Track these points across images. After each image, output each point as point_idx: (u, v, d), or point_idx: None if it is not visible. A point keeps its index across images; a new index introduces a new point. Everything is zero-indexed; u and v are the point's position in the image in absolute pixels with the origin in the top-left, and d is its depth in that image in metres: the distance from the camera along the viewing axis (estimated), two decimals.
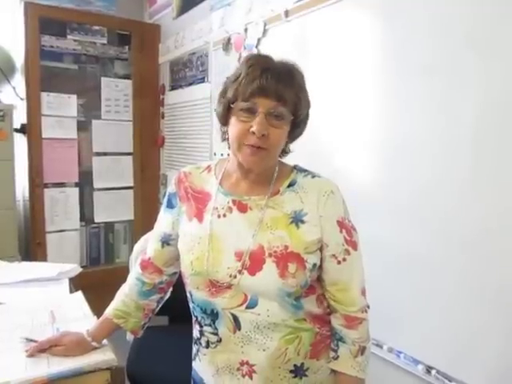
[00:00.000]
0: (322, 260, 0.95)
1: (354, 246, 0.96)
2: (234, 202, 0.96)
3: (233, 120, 0.91)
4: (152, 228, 1.77)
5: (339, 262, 0.94)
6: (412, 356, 1.39)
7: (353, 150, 1.62)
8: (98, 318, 1.21)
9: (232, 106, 0.91)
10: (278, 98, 0.87)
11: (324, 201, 0.93)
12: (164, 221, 1.08)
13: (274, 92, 0.87)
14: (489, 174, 1.20)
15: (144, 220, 3.14)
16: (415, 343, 1.39)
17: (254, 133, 0.87)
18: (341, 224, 0.94)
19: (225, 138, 1.00)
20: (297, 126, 0.94)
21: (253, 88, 0.87)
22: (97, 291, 1.59)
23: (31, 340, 1.12)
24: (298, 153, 1.03)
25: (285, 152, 1.00)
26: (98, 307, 1.39)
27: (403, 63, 1.42)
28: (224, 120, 0.96)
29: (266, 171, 0.96)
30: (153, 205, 3.22)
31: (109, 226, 3.21)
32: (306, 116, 0.96)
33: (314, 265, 0.92)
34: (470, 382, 1.23)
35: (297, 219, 0.92)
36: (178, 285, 1.14)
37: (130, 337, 1.69)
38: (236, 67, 0.94)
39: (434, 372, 1.31)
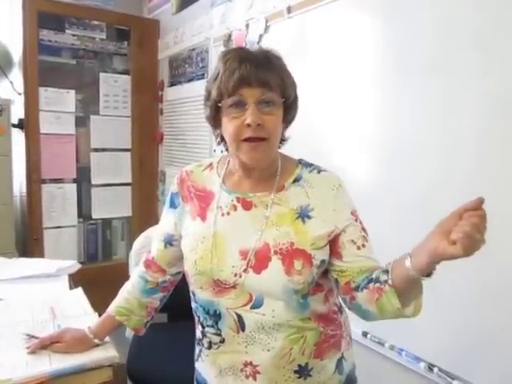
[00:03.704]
0: (338, 249, 0.91)
1: (368, 236, 0.94)
2: (238, 199, 0.95)
3: (224, 120, 0.90)
4: (150, 225, 1.76)
5: (359, 248, 0.90)
6: (414, 354, 1.39)
7: (353, 150, 1.61)
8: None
9: (220, 105, 0.89)
10: (263, 85, 0.85)
11: (334, 195, 0.93)
12: (167, 221, 1.07)
13: (256, 79, 0.85)
14: (492, 174, 1.19)
15: (142, 217, 3.14)
16: (417, 341, 1.38)
17: (248, 125, 0.85)
18: (354, 215, 0.94)
19: (220, 141, 0.99)
20: (288, 109, 0.92)
21: (234, 80, 0.85)
22: (94, 288, 1.58)
23: (32, 336, 1.12)
24: (297, 151, 1.02)
25: (282, 140, 0.98)
26: (95, 304, 1.39)
27: (406, 63, 1.41)
28: (215, 122, 0.95)
29: (268, 167, 0.95)
30: (151, 201, 3.21)
31: (106, 223, 3.20)
32: (295, 98, 0.94)
33: (323, 261, 0.91)
34: (472, 380, 1.23)
35: (303, 214, 0.91)
36: (178, 282, 1.14)
37: (129, 334, 1.69)
38: (214, 67, 0.93)
39: (436, 370, 1.31)
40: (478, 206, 0.67)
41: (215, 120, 0.94)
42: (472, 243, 0.66)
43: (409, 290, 0.80)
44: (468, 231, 0.65)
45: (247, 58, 0.87)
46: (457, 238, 0.66)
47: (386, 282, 0.82)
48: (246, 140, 0.87)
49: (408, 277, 0.77)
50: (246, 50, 0.93)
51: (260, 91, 0.85)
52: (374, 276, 0.86)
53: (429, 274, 0.76)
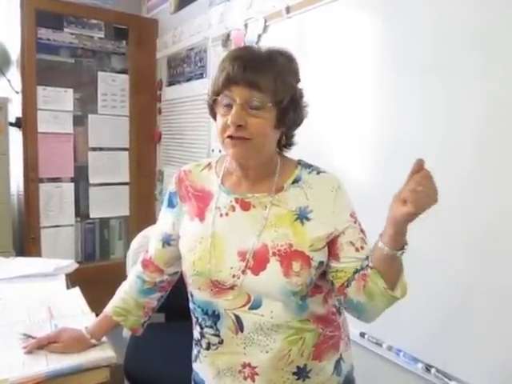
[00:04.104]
0: (337, 250, 0.91)
1: (366, 238, 0.94)
2: (236, 200, 0.95)
3: (217, 117, 0.91)
4: (147, 224, 1.75)
5: (357, 250, 0.91)
6: (411, 354, 1.39)
7: (353, 150, 1.61)
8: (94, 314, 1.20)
9: (210, 102, 0.91)
10: (250, 86, 0.84)
11: (333, 196, 0.92)
12: (165, 220, 1.06)
13: (242, 79, 0.84)
14: (491, 174, 1.19)
15: (139, 216, 3.13)
16: (415, 341, 1.39)
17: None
18: (353, 217, 0.93)
19: None
20: (283, 113, 0.88)
21: (222, 79, 0.86)
22: (91, 287, 1.57)
23: (29, 336, 1.11)
24: (297, 153, 1.02)
25: (287, 145, 0.97)
26: (92, 303, 1.39)
27: (405, 63, 1.41)
28: (214, 117, 0.95)
29: (265, 167, 0.94)
30: (149, 201, 3.21)
31: (104, 222, 3.20)
32: (293, 102, 0.90)
33: (321, 262, 0.90)
34: (469, 381, 1.23)
35: (302, 216, 0.90)
36: (175, 282, 1.13)
37: (126, 334, 1.68)
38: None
39: (433, 371, 1.31)
40: (419, 168, 0.76)
41: (213, 115, 0.94)
42: (419, 197, 0.74)
43: (391, 270, 0.83)
44: (412, 187, 0.74)
45: (240, 58, 0.86)
46: (405, 195, 0.74)
47: (367, 266, 0.86)
48: (228, 137, 0.88)
49: (384, 256, 0.81)
50: (248, 49, 0.92)
51: (248, 91, 0.84)
52: (358, 267, 0.89)
53: (401, 248, 0.81)
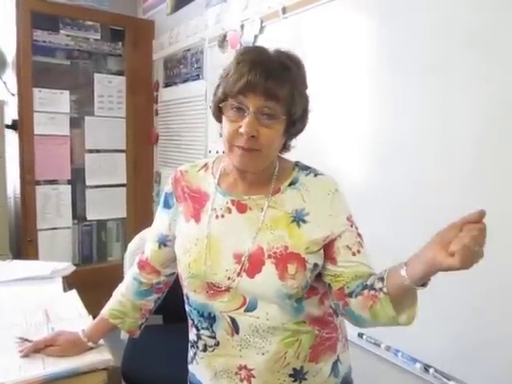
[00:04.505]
0: (333, 254, 0.90)
1: (363, 241, 0.93)
2: (232, 202, 0.94)
3: (224, 119, 0.88)
4: (145, 226, 1.75)
5: (354, 254, 0.89)
6: (410, 354, 1.39)
7: (350, 151, 1.61)
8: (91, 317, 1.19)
9: (221, 105, 0.88)
10: (268, 95, 0.82)
11: (330, 199, 0.91)
12: (161, 221, 1.05)
13: (262, 89, 0.82)
14: (490, 174, 1.19)
15: (137, 218, 3.12)
16: (413, 342, 1.38)
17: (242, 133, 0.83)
18: (350, 220, 0.92)
19: (221, 135, 0.97)
20: (292, 123, 0.88)
21: (240, 85, 0.82)
22: (88, 290, 1.57)
23: (26, 339, 1.11)
24: (294, 153, 1.02)
25: (285, 148, 0.97)
26: (90, 306, 1.38)
27: (402, 63, 1.41)
28: (217, 118, 0.94)
29: (264, 171, 0.93)
30: (146, 203, 3.20)
31: (101, 224, 3.19)
32: (303, 113, 0.91)
33: (316, 265, 0.89)
34: (468, 381, 1.23)
35: (298, 218, 0.90)
36: (173, 283, 1.13)
37: (124, 336, 1.68)
38: (230, 62, 0.90)
39: (431, 371, 1.31)
40: (478, 219, 0.67)
41: (217, 116, 0.93)
42: (470, 256, 0.66)
43: (403, 299, 0.80)
44: (467, 243, 0.65)
45: (260, 64, 0.83)
46: (455, 249, 0.66)
47: (380, 289, 0.81)
48: (238, 147, 0.86)
49: (403, 286, 0.77)
50: (264, 52, 0.88)
51: (264, 100, 0.83)
52: (368, 283, 0.85)
53: (423, 285, 0.76)
